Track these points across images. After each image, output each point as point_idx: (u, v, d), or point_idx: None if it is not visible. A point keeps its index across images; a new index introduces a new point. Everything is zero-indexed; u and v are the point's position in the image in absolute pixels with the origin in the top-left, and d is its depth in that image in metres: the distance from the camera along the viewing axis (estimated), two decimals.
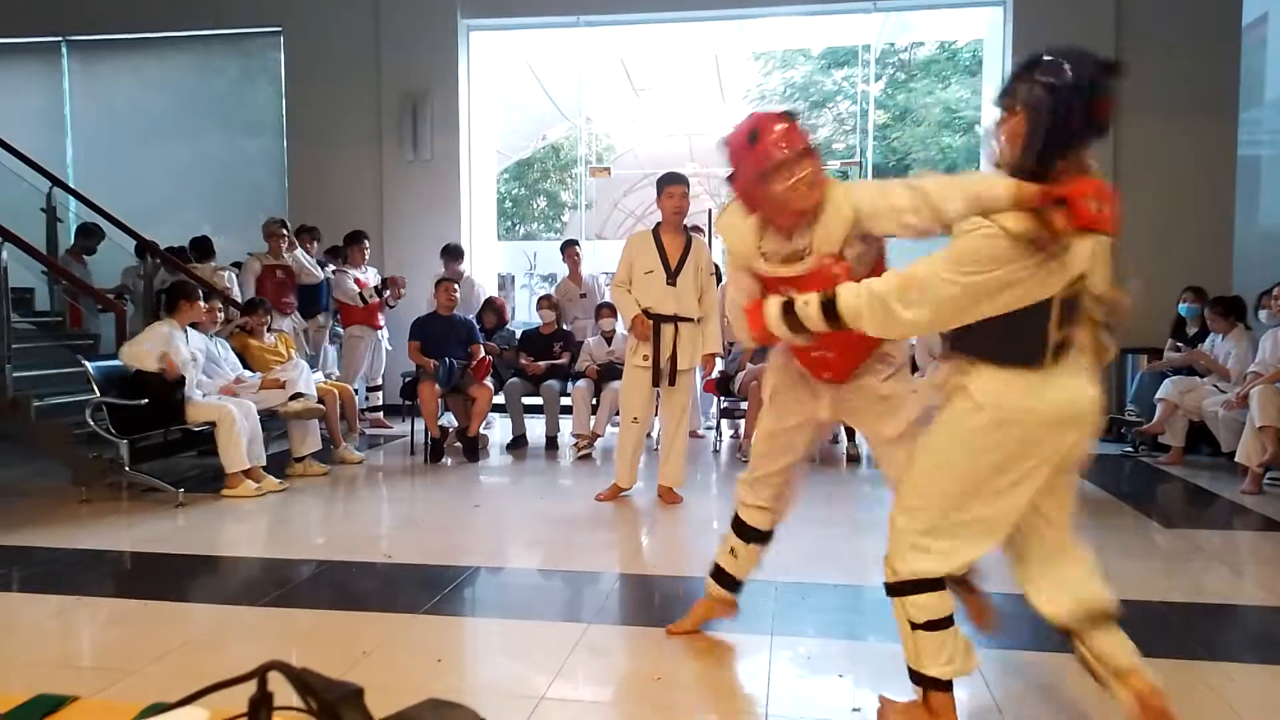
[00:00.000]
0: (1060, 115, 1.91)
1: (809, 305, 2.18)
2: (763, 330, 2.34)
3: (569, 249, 7.81)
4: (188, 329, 5.38)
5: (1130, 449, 6.68)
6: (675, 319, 4.82)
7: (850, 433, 6.50)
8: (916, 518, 2.14)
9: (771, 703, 2.48)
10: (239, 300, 6.84)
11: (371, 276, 7.77)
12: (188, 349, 5.28)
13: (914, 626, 2.14)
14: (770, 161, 2.36)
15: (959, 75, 15.32)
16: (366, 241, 7.74)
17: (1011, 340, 2.02)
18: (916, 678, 2.19)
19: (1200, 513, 5.13)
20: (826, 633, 3.02)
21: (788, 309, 2.23)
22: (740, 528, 2.85)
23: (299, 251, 7.42)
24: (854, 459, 6.30)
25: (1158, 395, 6.26)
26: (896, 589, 2.17)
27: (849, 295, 2.10)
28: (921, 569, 2.13)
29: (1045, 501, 2.13)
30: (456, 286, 6.94)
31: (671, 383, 4.90)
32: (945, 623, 2.15)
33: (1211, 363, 6.11)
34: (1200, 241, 7.54)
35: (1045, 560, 2.18)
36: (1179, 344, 6.57)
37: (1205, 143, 7.57)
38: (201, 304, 5.47)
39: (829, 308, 2.14)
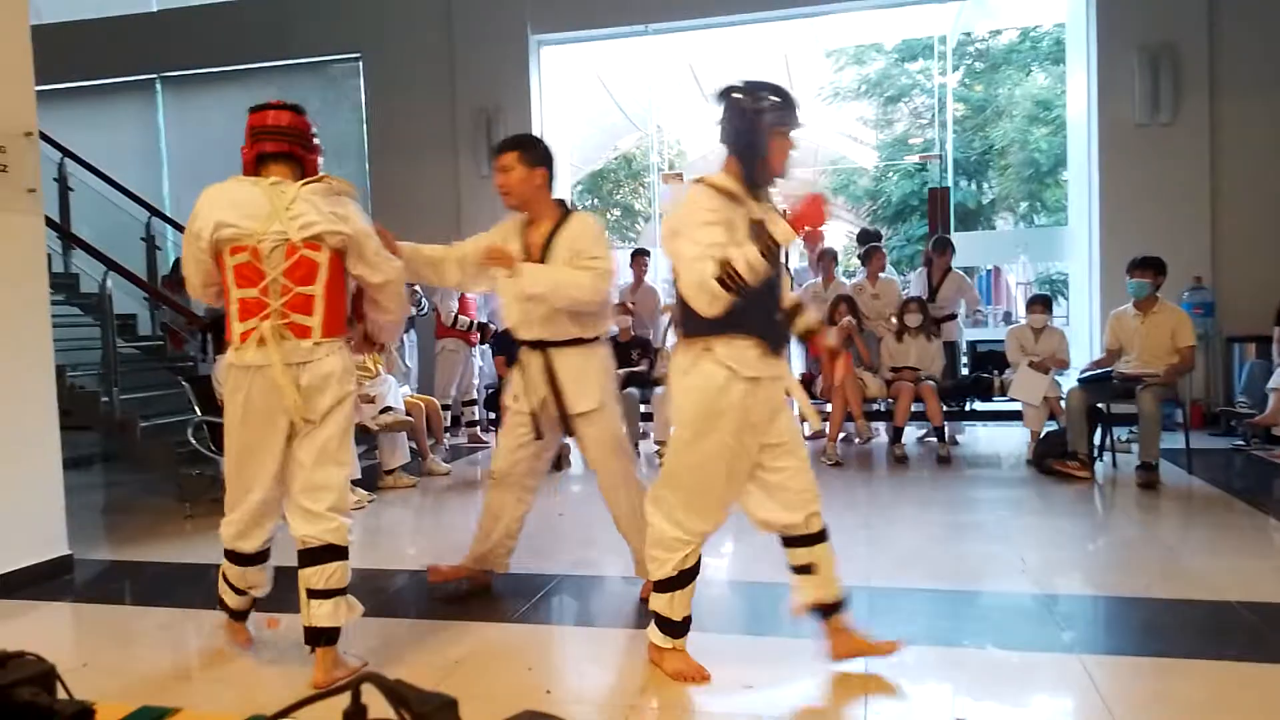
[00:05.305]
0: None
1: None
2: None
3: (638, 258, 7.84)
4: None
5: (1242, 442, 6.37)
6: (543, 344, 3.26)
7: (939, 432, 6.33)
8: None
9: (870, 712, 2.41)
10: None
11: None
12: None
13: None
14: None
15: (1041, 63, 14.80)
16: None
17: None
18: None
19: None
20: (922, 639, 2.93)
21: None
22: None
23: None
24: (945, 460, 6.11)
25: (1269, 385, 5.95)
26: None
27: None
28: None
29: None
30: None
31: (570, 432, 3.35)
32: None
33: None
34: None
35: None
36: None
37: None
38: None
39: None
